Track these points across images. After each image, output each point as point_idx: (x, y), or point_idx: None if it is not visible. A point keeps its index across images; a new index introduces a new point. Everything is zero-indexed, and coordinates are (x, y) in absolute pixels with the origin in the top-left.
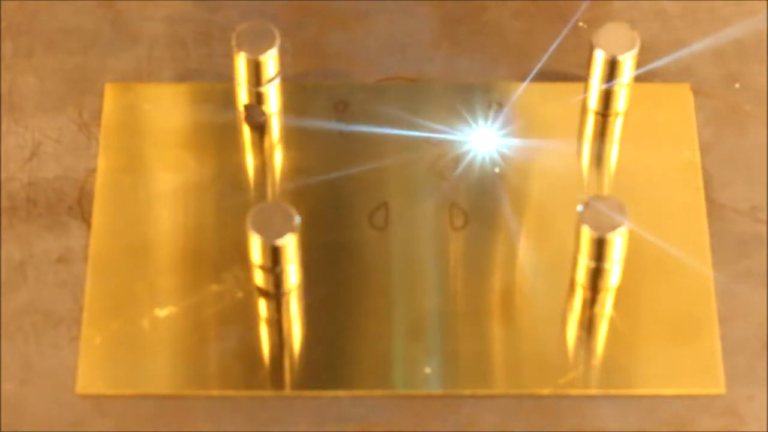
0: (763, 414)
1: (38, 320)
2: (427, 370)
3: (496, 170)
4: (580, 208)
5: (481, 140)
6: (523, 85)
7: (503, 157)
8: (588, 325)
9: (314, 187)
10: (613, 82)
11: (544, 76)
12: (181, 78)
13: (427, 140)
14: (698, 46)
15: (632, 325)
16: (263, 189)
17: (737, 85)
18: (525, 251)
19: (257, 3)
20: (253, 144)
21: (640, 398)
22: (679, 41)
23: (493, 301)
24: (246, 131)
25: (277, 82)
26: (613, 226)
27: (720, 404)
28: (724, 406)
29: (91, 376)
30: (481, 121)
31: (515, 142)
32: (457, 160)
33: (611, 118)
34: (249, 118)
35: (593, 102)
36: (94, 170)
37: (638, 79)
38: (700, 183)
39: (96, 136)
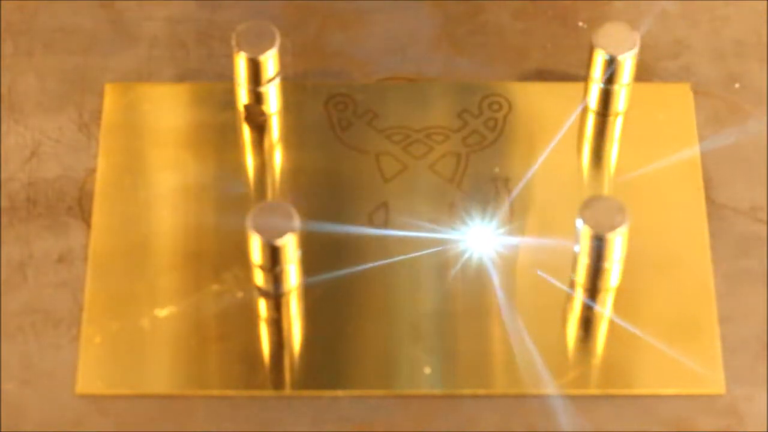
0: (763, 414)
1: (38, 320)
2: (427, 370)
3: (496, 170)
4: (580, 208)
5: (481, 139)
6: (523, 86)
7: (503, 157)
8: (588, 325)
9: (314, 187)
10: (613, 82)
11: (544, 76)
12: (181, 78)
13: (427, 140)
14: (698, 46)
15: (632, 325)
16: (263, 189)
17: (737, 85)
18: (525, 251)
19: (257, 3)
20: (253, 144)
21: (640, 398)
22: (679, 41)
23: (493, 301)
24: (246, 131)
25: (277, 82)
26: (613, 226)
27: (720, 404)
28: (724, 406)
29: (90, 376)
30: (480, 121)
31: (515, 142)
32: (457, 159)
33: (611, 118)
34: (249, 118)
35: (593, 102)
36: (94, 170)
37: (638, 79)
38: (700, 183)
39: (96, 136)
